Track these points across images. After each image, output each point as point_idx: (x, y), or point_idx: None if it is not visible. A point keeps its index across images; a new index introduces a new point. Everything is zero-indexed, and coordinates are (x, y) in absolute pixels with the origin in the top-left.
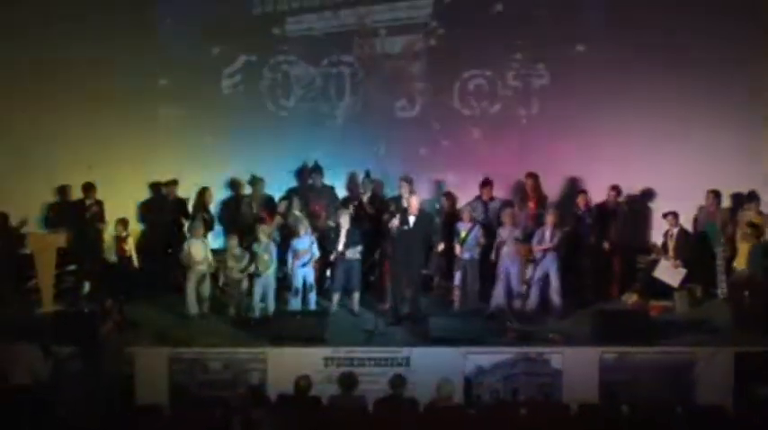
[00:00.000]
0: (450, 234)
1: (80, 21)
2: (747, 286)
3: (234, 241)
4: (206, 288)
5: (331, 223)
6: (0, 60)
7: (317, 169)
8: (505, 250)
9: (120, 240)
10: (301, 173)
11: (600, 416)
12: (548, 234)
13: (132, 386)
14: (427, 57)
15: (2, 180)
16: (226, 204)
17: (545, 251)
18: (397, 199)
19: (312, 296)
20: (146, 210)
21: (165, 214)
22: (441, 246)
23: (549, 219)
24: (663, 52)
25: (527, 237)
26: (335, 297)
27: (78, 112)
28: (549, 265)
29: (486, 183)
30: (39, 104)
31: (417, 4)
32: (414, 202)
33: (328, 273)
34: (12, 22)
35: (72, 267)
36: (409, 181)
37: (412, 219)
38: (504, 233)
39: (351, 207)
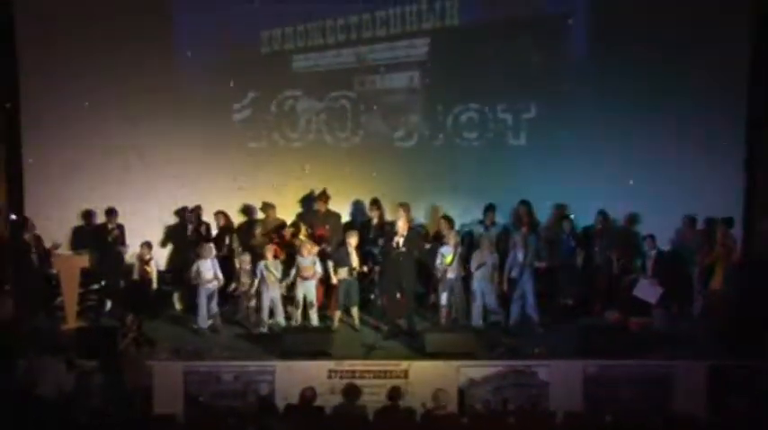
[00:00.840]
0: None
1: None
2: (721, 304)
3: (247, 257)
4: (215, 304)
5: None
6: (43, 100)
7: (324, 196)
8: (481, 273)
9: (143, 262)
10: (309, 199)
11: (584, 424)
12: (519, 256)
13: (150, 397)
14: (423, 91)
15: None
16: (240, 228)
17: (520, 270)
18: (393, 223)
19: (313, 313)
20: (170, 234)
21: (188, 237)
22: (439, 274)
23: (518, 242)
24: (643, 90)
25: None
26: (337, 314)
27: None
28: (526, 284)
29: (490, 209)
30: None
31: (414, 44)
32: (401, 223)
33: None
34: (58, 63)
35: (95, 286)
36: (406, 207)
37: (401, 240)
38: (479, 256)
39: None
